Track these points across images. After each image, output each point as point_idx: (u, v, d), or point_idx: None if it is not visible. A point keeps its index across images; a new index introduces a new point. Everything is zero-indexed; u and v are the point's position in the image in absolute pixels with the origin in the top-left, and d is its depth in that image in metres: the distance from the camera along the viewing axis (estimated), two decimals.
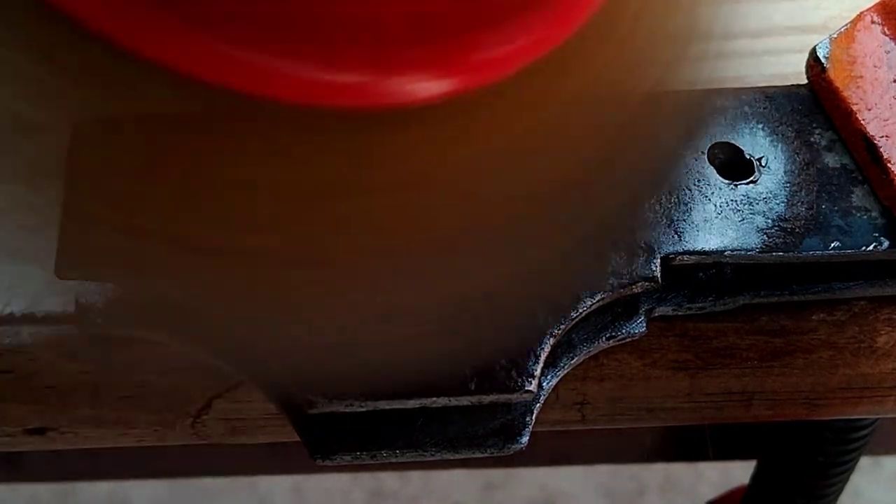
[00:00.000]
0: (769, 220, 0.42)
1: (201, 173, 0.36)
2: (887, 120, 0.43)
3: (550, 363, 0.41)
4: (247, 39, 0.32)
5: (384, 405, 0.39)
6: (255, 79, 0.33)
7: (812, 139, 0.44)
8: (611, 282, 0.41)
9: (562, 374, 0.42)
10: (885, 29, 0.45)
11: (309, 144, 0.35)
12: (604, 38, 0.36)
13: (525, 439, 0.41)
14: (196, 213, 0.37)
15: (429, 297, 0.38)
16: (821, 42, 0.45)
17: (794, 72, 0.46)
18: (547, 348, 0.39)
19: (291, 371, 0.40)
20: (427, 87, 0.34)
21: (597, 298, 0.41)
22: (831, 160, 0.44)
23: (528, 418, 0.41)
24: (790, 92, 0.45)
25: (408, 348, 0.39)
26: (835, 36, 0.45)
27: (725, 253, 0.42)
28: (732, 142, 0.44)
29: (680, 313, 0.44)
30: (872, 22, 0.45)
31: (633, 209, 0.42)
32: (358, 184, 0.36)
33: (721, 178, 0.43)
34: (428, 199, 0.36)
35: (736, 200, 0.43)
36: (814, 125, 0.44)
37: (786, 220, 0.42)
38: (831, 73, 0.44)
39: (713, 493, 0.91)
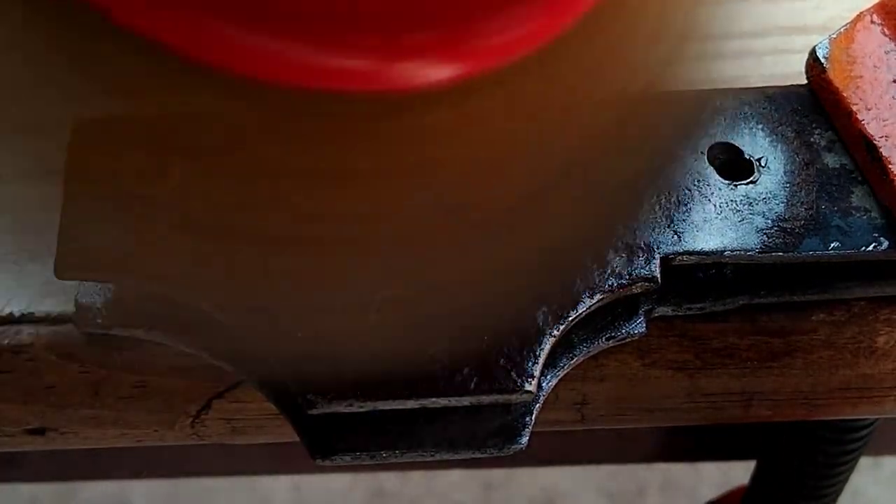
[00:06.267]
0: (769, 221, 0.42)
1: (207, 163, 0.36)
2: (887, 120, 0.43)
3: (550, 363, 0.41)
4: (252, 23, 0.32)
5: (384, 405, 0.39)
6: (261, 62, 0.33)
7: (812, 139, 0.44)
8: (610, 282, 0.41)
9: (561, 375, 0.42)
10: (885, 29, 0.45)
11: (305, 129, 0.35)
12: (602, 32, 0.36)
13: (525, 440, 0.41)
14: (202, 201, 0.37)
15: (424, 287, 0.38)
16: (820, 42, 0.45)
17: (794, 72, 0.46)
18: (546, 348, 0.39)
19: (290, 370, 0.40)
20: (431, 72, 0.34)
21: (596, 299, 0.41)
22: (831, 160, 0.44)
23: (527, 419, 0.41)
24: (790, 92, 0.45)
25: (406, 344, 0.39)
26: (834, 36, 0.45)
27: (725, 253, 0.42)
28: (732, 142, 0.44)
29: (680, 313, 0.44)
30: (872, 22, 0.45)
31: (629, 209, 0.42)
32: (356, 169, 0.36)
33: (721, 179, 0.43)
34: (426, 188, 0.36)
35: (735, 201, 0.43)
36: (813, 125, 0.44)
37: (785, 220, 0.42)
38: (831, 74, 0.44)
39: (713, 493, 0.91)
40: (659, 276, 0.41)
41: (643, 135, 0.38)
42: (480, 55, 0.34)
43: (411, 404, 0.39)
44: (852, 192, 0.43)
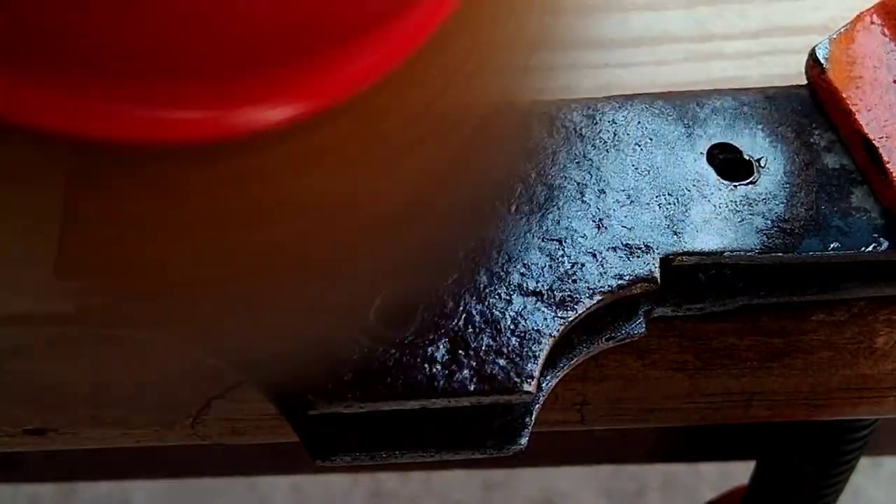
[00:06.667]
0: (768, 221, 0.42)
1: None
2: (886, 121, 0.43)
3: (550, 364, 0.41)
4: (83, 84, 0.31)
5: (384, 405, 0.39)
6: (96, 123, 0.32)
7: (811, 140, 0.44)
8: (610, 283, 0.41)
9: (561, 375, 0.42)
10: (885, 29, 0.45)
11: (127, 179, 0.35)
12: (446, 50, 0.36)
13: (524, 440, 0.41)
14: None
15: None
16: (820, 42, 0.45)
17: (794, 72, 0.46)
18: (546, 349, 0.39)
19: (289, 371, 0.40)
20: (271, 114, 0.33)
21: (596, 299, 0.41)
22: (831, 161, 0.44)
23: (527, 419, 0.41)
24: (790, 92, 0.45)
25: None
26: (834, 36, 0.45)
27: (725, 254, 0.42)
28: (732, 142, 0.44)
29: (679, 314, 0.44)
30: (872, 22, 0.45)
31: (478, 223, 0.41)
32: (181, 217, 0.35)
33: (720, 179, 0.43)
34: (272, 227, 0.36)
35: (735, 201, 0.43)
36: (813, 126, 0.44)
37: (785, 220, 0.42)
38: (831, 74, 0.44)
39: (713, 493, 0.91)
40: (659, 276, 0.41)
41: (489, 147, 0.38)
42: (321, 92, 0.33)
43: (411, 404, 0.39)
44: (852, 193, 0.43)
